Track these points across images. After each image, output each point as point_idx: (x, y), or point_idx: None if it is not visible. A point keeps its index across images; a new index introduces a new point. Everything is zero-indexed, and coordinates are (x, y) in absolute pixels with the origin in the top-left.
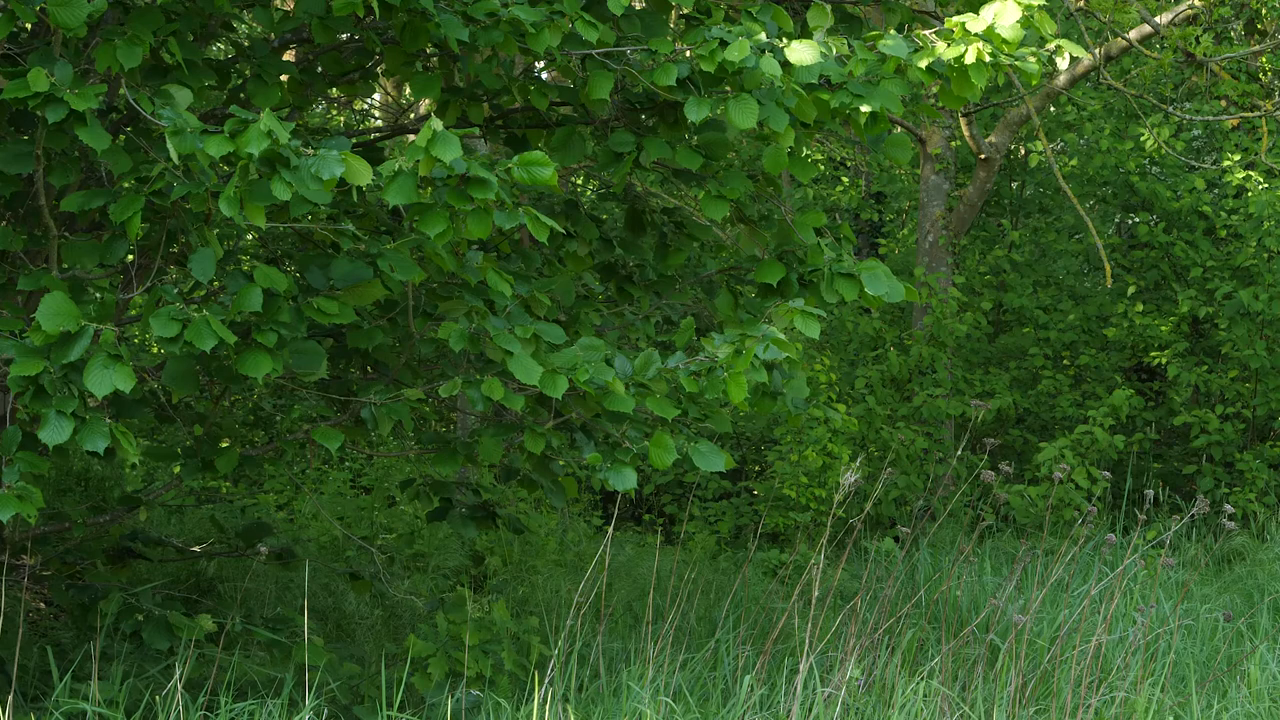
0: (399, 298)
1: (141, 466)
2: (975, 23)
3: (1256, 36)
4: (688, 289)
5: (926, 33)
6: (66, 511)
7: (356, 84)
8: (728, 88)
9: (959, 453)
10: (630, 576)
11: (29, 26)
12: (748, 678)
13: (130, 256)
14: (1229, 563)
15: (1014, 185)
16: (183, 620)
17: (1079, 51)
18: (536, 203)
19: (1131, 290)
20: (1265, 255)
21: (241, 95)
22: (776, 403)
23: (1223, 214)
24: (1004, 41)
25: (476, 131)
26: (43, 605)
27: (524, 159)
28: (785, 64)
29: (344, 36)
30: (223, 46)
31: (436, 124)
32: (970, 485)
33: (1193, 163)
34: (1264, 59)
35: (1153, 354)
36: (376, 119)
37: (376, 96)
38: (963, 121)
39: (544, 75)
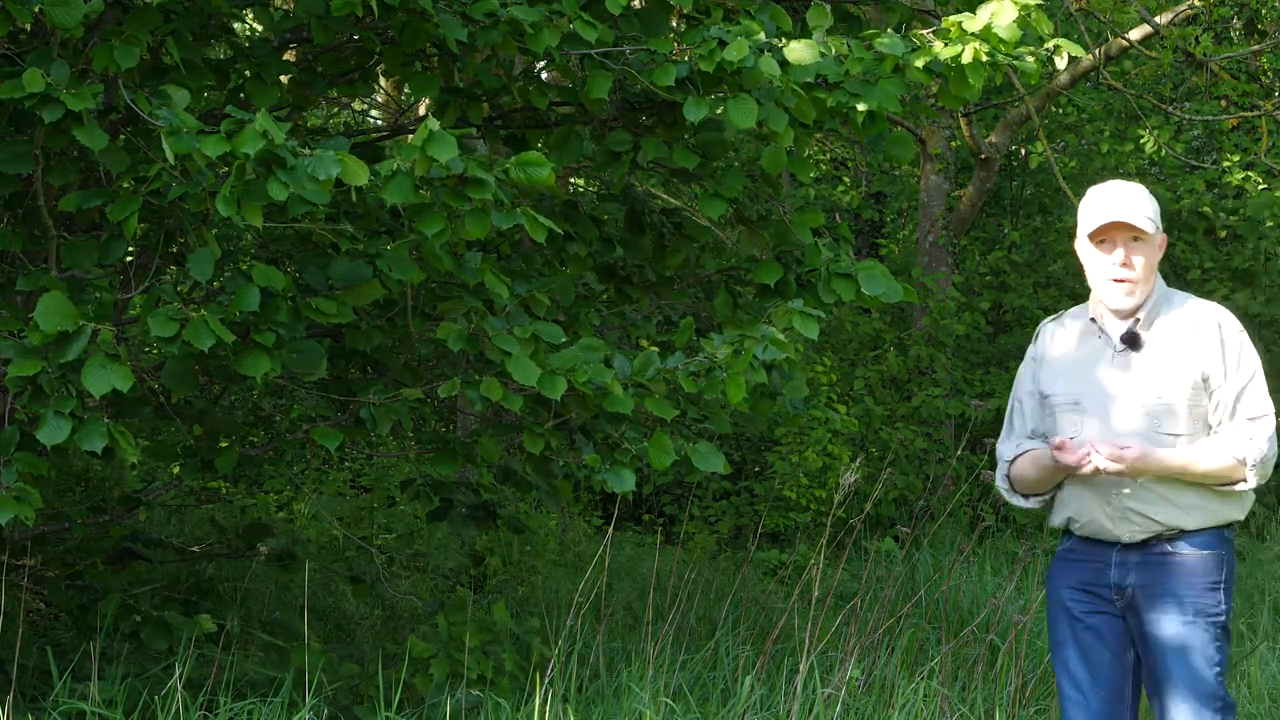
0: (398, 298)
1: (141, 466)
2: (972, 22)
3: (1256, 36)
4: (687, 289)
5: (924, 32)
6: (66, 511)
7: (356, 84)
8: (726, 88)
9: (959, 453)
10: (630, 576)
11: (28, 27)
12: (748, 678)
13: (129, 257)
14: None
15: (1014, 185)
16: (180, 620)
17: (1077, 51)
18: (538, 204)
19: None
20: (1263, 257)
21: (241, 95)
22: (775, 403)
23: (1222, 215)
24: (1001, 41)
25: (474, 131)
26: (43, 605)
27: (521, 159)
28: (784, 64)
29: (343, 36)
30: (222, 47)
31: (433, 124)
32: (970, 485)
33: (1193, 163)
34: (1264, 59)
35: None
36: (376, 119)
37: (378, 97)
38: (963, 121)
39: (544, 75)
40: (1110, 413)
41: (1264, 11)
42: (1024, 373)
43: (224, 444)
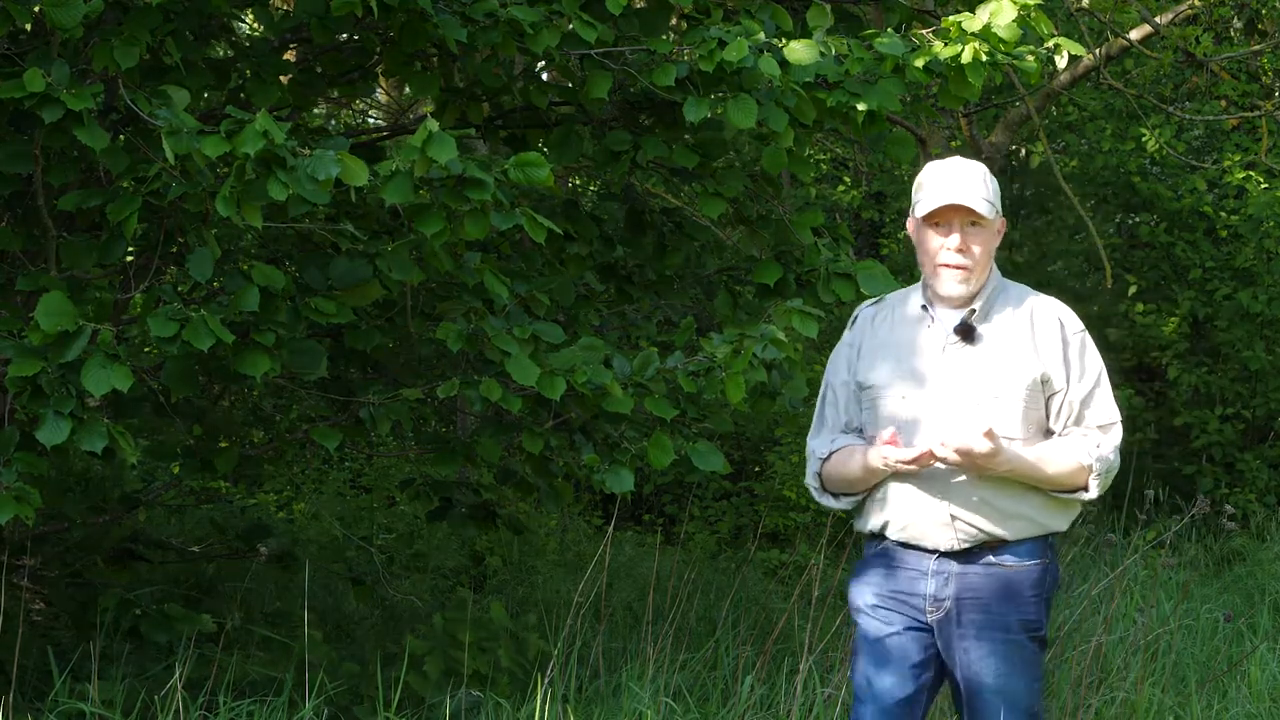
0: (398, 298)
1: (141, 466)
2: (971, 22)
3: (1256, 36)
4: (687, 289)
5: (924, 32)
6: (66, 512)
7: (356, 84)
8: (725, 88)
9: None
10: (630, 576)
11: (28, 27)
12: (748, 678)
13: (129, 257)
14: (1229, 563)
15: (1014, 186)
16: (180, 613)
17: (1077, 50)
18: (538, 203)
19: (1132, 291)
20: (1265, 256)
21: (241, 95)
22: (775, 403)
23: (1223, 214)
24: (1000, 41)
25: (474, 131)
26: (43, 605)
27: (520, 159)
28: (784, 63)
29: (343, 37)
30: (223, 46)
31: (432, 124)
32: None
33: (1193, 163)
34: (1264, 59)
35: (1153, 354)
36: (376, 119)
37: (379, 96)
38: (963, 121)
39: (544, 75)
40: (940, 408)
41: (1264, 11)
42: (838, 360)
43: (224, 444)
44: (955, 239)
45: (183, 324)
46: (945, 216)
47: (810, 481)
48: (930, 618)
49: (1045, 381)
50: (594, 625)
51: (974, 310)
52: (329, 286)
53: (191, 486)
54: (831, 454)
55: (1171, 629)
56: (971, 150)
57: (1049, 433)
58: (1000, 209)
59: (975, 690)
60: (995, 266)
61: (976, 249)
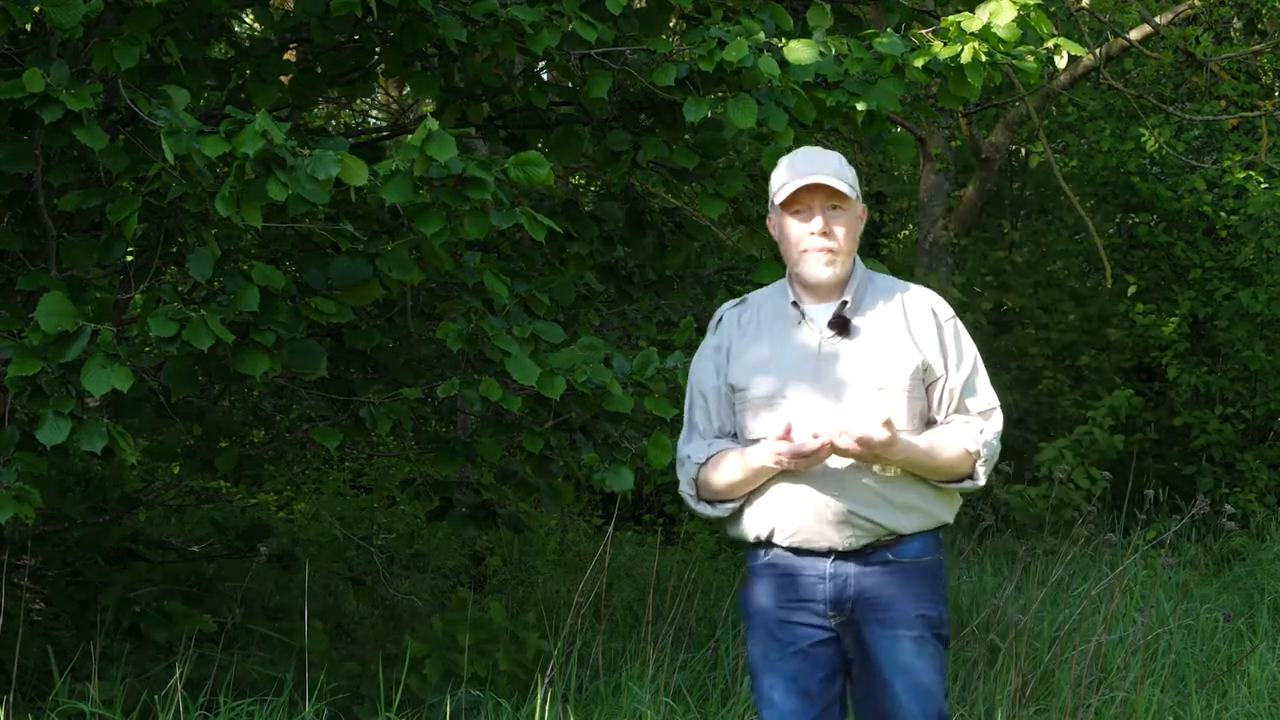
0: (398, 298)
1: (141, 466)
2: (971, 22)
3: (1256, 36)
4: (687, 289)
5: (924, 32)
6: (66, 511)
7: (356, 84)
8: (725, 88)
9: None
10: (630, 576)
11: (28, 27)
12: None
13: (129, 257)
14: (1229, 563)
15: (1014, 186)
16: (181, 610)
17: (1077, 50)
18: (539, 203)
19: (1132, 290)
20: (1265, 256)
21: (241, 95)
22: None
23: (1223, 214)
24: (1000, 41)
25: (474, 131)
26: (43, 605)
27: (520, 159)
28: (784, 63)
29: (343, 37)
30: (223, 46)
31: (432, 124)
32: None
33: (1193, 163)
34: (1264, 59)
35: (1153, 354)
36: (376, 119)
37: (379, 96)
38: (963, 121)
39: (544, 75)
40: (823, 407)
41: (1264, 11)
42: (703, 365)
43: (224, 444)
44: (818, 222)
45: (183, 324)
46: (805, 201)
47: (685, 489)
48: (833, 622)
49: (926, 369)
50: (594, 625)
51: (846, 302)
52: (329, 286)
53: (191, 486)
54: (709, 458)
55: (1171, 629)
56: (971, 150)
57: (931, 422)
58: (860, 195)
59: (882, 693)
60: (859, 259)
61: (840, 230)
